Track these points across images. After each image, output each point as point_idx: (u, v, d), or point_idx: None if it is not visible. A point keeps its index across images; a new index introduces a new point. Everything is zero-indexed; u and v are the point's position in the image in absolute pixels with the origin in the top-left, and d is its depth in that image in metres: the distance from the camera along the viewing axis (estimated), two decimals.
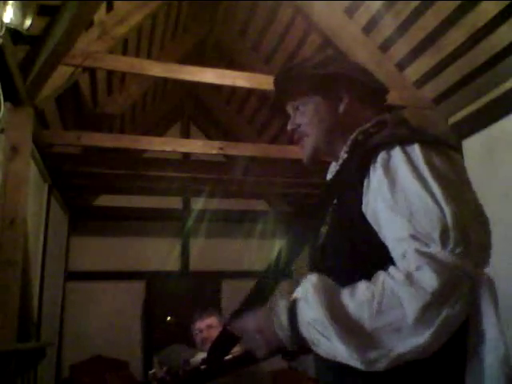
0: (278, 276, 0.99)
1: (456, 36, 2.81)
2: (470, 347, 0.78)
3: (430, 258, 0.75)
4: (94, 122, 4.07)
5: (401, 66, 3.28)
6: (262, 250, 5.31)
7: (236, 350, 0.99)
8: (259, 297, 0.98)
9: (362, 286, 0.79)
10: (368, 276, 0.81)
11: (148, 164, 4.39)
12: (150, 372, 2.53)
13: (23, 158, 2.59)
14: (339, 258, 0.92)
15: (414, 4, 2.85)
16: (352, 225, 0.90)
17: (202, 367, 1.04)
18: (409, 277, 0.75)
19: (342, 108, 1.04)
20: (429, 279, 0.73)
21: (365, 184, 0.88)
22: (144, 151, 4.67)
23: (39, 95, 2.69)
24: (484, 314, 0.77)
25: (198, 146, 3.99)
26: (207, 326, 2.62)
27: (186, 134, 5.95)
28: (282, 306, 0.84)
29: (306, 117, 1.06)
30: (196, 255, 5.78)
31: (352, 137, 1.01)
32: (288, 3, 3.66)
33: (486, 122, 2.96)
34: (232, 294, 5.13)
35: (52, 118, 3.48)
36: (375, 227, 0.85)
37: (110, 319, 5.20)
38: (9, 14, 2.12)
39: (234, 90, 4.90)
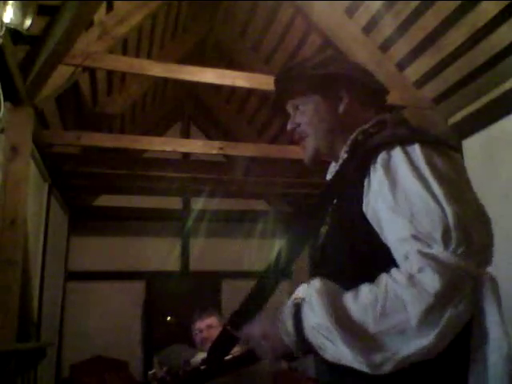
0: (278, 276, 0.99)
1: (456, 36, 2.81)
2: (474, 347, 0.78)
3: (432, 259, 0.75)
4: (93, 121, 4.07)
5: (401, 66, 3.28)
6: (262, 249, 5.31)
7: (236, 349, 0.99)
8: (259, 297, 0.98)
9: (365, 289, 0.79)
10: (368, 276, 0.81)
11: (148, 164, 4.39)
12: (150, 372, 2.52)
13: (23, 158, 2.59)
14: (339, 258, 0.92)
15: (413, 4, 2.85)
16: (352, 225, 0.90)
17: (202, 367, 1.04)
18: (411, 279, 0.75)
19: (341, 108, 1.04)
20: (431, 281, 0.73)
21: (365, 184, 0.88)
22: (144, 151, 4.68)
23: (39, 95, 2.69)
24: (487, 313, 0.77)
25: (198, 146, 3.99)
26: (207, 326, 2.62)
27: (186, 134, 5.95)
28: (286, 312, 0.84)
29: (305, 116, 1.07)
30: (196, 255, 5.78)
31: (352, 137, 1.01)
32: (288, 3, 3.66)
33: (486, 122, 2.96)
34: (232, 294, 5.13)
35: (52, 118, 3.48)
36: (376, 228, 0.85)
37: (109, 319, 5.19)
38: (9, 14, 2.12)
39: (233, 89, 4.90)
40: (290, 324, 0.82)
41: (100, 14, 2.94)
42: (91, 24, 2.94)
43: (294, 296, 1.28)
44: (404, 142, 0.86)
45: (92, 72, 3.46)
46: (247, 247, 5.60)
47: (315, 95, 1.06)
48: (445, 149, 0.88)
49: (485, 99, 2.97)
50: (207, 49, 4.84)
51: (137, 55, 3.99)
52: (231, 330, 0.97)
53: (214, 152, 3.77)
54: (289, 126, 1.11)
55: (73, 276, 5.19)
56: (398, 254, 0.82)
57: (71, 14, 2.15)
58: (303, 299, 0.84)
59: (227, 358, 0.99)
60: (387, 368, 0.74)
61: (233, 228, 5.80)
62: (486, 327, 0.77)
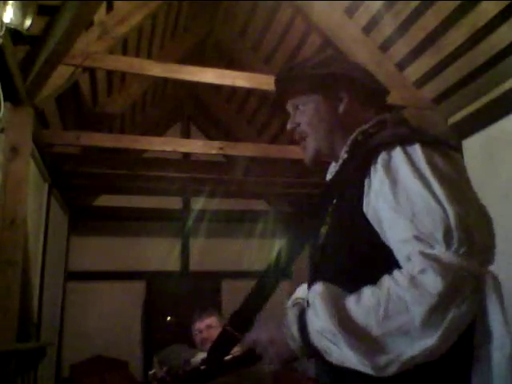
0: (278, 276, 0.99)
1: (456, 36, 2.81)
2: (477, 346, 0.78)
3: (434, 260, 0.75)
4: (93, 122, 4.07)
5: (401, 66, 3.27)
6: (262, 249, 5.31)
7: (236, 350, 0.99)
8: (260, 297, 0.98)
9: (368, 292, 0.79)
10: (368, 275, 0.81)
11: (148, 164, 4.39)
12: (150, 372, 2.53)
13: (23, 158, 2.59)
14: (339, 258, 0.92)
15: (413, 4, 2.85)
16: (352, 225, 0.90)
17: (202, 367, 1.03)
18: (413, 280, 0.75)
19: (341, 108, 1.04)
20: (433, 282, 0.73)
21: (366, 184, 0.88)
22: (144, 151, 4.67)
23: (39, 95, 2.69)
24: (490, 312, 0.77)
25: (198, 146, 3.99)
26: (207, 327, 2.61)
27: (186, 134, 5.95)
28: (291, 317, 0.85)
29: (305, 116, 1.07)
30: (196, 255, 5.78)
31: (352, 137, 1.01)
32: (288, 3, 3.66)
33: (486, 121, 2.96)
34: (232, 294, 5.13)
35: (52, 118, 3.48)
36: (377, 228, 0.85)
37: (109, 319, 5.19)
38: (9, 14, 2.12)
39: (233, 89, 4.90)
40: (295, 329, 0.83)
41: (100, 14, 2.94)
42: (91, 24, 2.94)
43: (294, 296, 1.29)
44: (404, 142, 0.86)
45: (92, 72, 3.45)
46: (247, 247, 5.60)
47: (315, 95, 1.06)
48: (445, 149, 0.88)
49: (485, 99, 2.96)
50: (207, 49, 4.84)
51: (137, 55, 3.99)
52: (231, 330, 0.97)
53: (214, 152, 3.76)
54: (289, 126, 1.11)
55: (73, 276, 5.19)
56: (400, 254, 0.82)
57: (71, 14, 2.15)
58: (307, 304, 0.84)
59: (227, 358, 0.99)
60: (392, 370, 0.74)
61: (233, 228, 5.80)
62: (489, 326, 0.77)
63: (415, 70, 3.23)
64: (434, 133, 0.94)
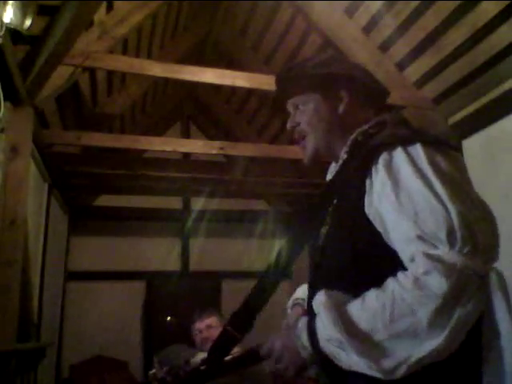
0: (278, 276, 0.99)
1: (456, 36, 2.81)
2: (485, 344, 0.78)
3: (438, 260, 0.75)
4: (93, 122, 4.07)
5: (401, 66, 3.27)
6: (262, 250, 5.30)
7: (236, 350, 0.99)
8: (260, 297, 0.98)
9: (372, 296, 0.79)
10: (368, 275, 0.81)
11: (148, 164, 4.39)
12: (150, 372, 2.53)
13: (23, 158, 2.59)
14: (339, 258, 0.92)
15: (413, 4, 2.85)
16: (353, 225, 0.90)
17: (202, 367, 1.04)
18: (418, 282, 0.75)
19: (341, 108, 1.04)
20: (438, 283, 0.73)
21: (367, 184, 0.88)
22: (144, 151, 4.67)
23: (39, 95, 2.69)
24: (496, 310, 0.77)
25: (198, 146, 3.99)
26: (207, 327, 2.61)
27: (186, 134, 5.95)
28: (301, 327, 0.86)
29: (305, 115, 1.07)
30: (196, 255, 5.77)
31: (352, 137, 1.01)
32: (288, 3, 3.66)
33: (486, 122, 2.96)
34: (232, 294, 5.13)
35: (52, 118, 3.48)
36: (379, 228, 0.85)
37: (109, 319, 5.19)
38: (9, 14, 2.12)
39: (233, 89, 4.90)
40: (305, 339, 0.84)
41: (100, 14, 2.94)
42: (91, 24, 2.94)
43: (294, 296, 1.29)
44: (405, 143, 0.86)
45: (92, 72, 3.45)
46: (247, 247, 5.59)
47: (315, 95, 1.06)
48: (446, 149, 0.88)
49: (485, 99, 2.96)
50: (207, 49, 4.83)
51: (137, 55, 3.99)
52: (231, 330, 0.97)
53: (214, 152, 3.76)
54: (288, 125, 1.11)
55: (73, 276, 5.18)
56: (403, 255, 0.82)
57: (71, 14, 2.15)
58: (315, 313, 0.85)
59: (227, 358, 0.99)
60: (400, 373, 0.74)
61: (233, 228, 5.79)
62: (496, 324, 0.77)
63: (415, 70, 3.23)
64: (435, 133, 0.94)
